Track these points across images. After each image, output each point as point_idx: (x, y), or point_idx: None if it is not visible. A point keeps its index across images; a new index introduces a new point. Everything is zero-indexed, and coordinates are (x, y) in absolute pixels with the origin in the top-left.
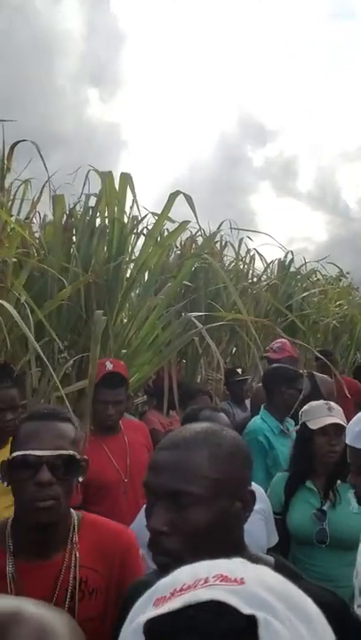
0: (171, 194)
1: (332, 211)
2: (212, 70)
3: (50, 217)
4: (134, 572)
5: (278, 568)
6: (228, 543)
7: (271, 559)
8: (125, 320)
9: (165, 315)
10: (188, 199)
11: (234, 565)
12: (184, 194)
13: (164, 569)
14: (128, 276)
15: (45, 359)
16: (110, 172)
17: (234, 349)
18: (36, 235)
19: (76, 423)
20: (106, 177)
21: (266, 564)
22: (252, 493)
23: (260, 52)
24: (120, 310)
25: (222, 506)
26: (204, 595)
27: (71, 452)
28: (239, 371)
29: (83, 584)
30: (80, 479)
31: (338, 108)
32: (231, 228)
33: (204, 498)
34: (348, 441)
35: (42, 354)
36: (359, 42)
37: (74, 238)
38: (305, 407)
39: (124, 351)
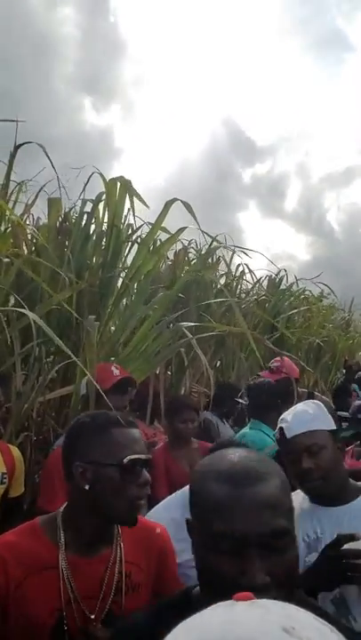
0: (167, 201)
1: (316, 232)
2: (207, 85)
3: (43, 220)
4: (172, 570)
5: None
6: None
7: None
8: (113, 328)
9: (158, 325)
10: (187, 207)
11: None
12: (182, 201)
13: None
14: (120, 283)
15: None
16: (122, 177)
17: (218, 363)
18: (29, 237)
19: None
20: (110, 183)
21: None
22: None
23: (255, 71)
24: (110, 318)
25: (295, 538)
26: None
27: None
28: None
29: (127, 578)
30: None
31: (326, 131)
32: (227, 246)
33: (292, 532)
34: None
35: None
36: (353, 72)
37: (66, 242)
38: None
39: (112, 359)
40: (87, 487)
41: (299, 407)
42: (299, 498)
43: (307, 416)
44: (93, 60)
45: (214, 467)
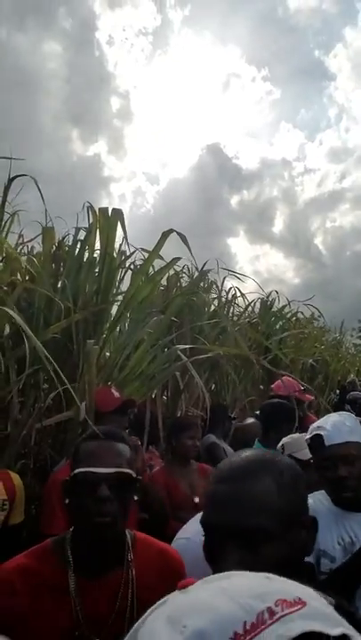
0: (164, 232)
1: (304, 256)
2: (193, 112)
3: (37, 249)
4: None
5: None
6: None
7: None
8: (108, 353)
9: (154, 348)
10: (183, 238)
11: (276, 584)
12: (178, 233)
13: None
14: (116, 309)
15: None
16: (114, 208)
17: (213, 386)
18: (24, 266)
19: (131, 444)
20: (100, 212)
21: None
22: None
23: (240, 99)
24: (106, 343)
25: (293, 538)
26: (291, 630)
27: (128, 471)
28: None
29: (139, 602)
30: (135, 498)
31: (312, 156)
32: (221, 267)
33: (276, 532)
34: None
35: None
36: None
37: (61, 270)
38: (286, 440)
39: (109, 383)
40: (67, 501)
41: (335, 418)
42: (324, 502)
43: (345, 427)
44: (79, 93)
45: (218, 467)
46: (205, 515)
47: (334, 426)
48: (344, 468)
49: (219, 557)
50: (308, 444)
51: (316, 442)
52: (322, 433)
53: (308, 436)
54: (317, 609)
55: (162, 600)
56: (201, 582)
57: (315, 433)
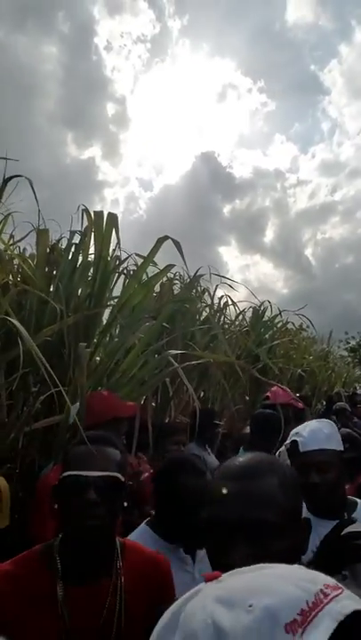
0: (159, 238)
1: (293, 267)
2: (188, 121)
3: (29, 252)
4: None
5: None
6: None
7: None
8: (98, 358)
9: (145, 353)
10: (177, 245)
11: (314, 572)
12: (173, 239)
13: None
14: (109, 313)
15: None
16: (101, 212)
17: (201, 394)
18: (16, 268)
19: (122, 448)
20: (96, 215)
21: None
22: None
23: (235, 109)
24: (97, 347)
25: (294, 536)
26: (345, 608)
27: (116, 475)
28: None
29: (127, 610)
30: (125, 504)
31: (305, 168)
32: (214, 273)
33: (281, 527)
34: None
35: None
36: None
37: (54, 273)
38: (283, 449)
39: (99, 389)
40: (56, 506)
41: (313, 425)
42: None
43: (321, 434)
44: (75, 96)
45: (223, 467)
46: (211, 510)
47: (311, 432)
48: (317, 475)
49: (226, 551)
50: (287, 449)
51: (293, 448)
52: (298, 439)
53: (287, 441)
54: (352, 594)
55: (194, 590)
56: (233, 573)
57: (292, 439)
